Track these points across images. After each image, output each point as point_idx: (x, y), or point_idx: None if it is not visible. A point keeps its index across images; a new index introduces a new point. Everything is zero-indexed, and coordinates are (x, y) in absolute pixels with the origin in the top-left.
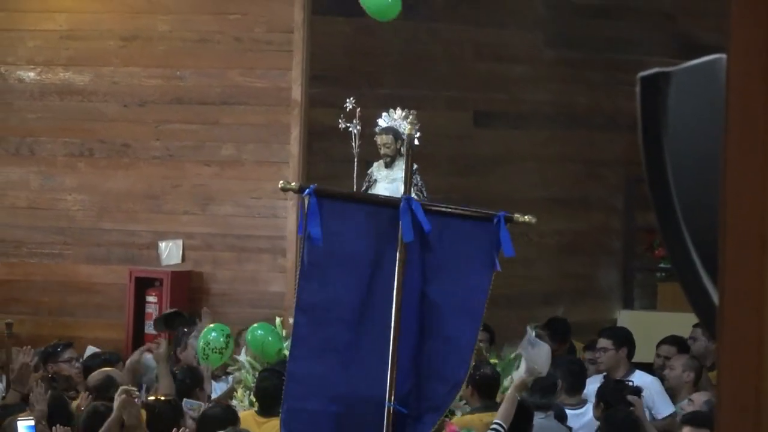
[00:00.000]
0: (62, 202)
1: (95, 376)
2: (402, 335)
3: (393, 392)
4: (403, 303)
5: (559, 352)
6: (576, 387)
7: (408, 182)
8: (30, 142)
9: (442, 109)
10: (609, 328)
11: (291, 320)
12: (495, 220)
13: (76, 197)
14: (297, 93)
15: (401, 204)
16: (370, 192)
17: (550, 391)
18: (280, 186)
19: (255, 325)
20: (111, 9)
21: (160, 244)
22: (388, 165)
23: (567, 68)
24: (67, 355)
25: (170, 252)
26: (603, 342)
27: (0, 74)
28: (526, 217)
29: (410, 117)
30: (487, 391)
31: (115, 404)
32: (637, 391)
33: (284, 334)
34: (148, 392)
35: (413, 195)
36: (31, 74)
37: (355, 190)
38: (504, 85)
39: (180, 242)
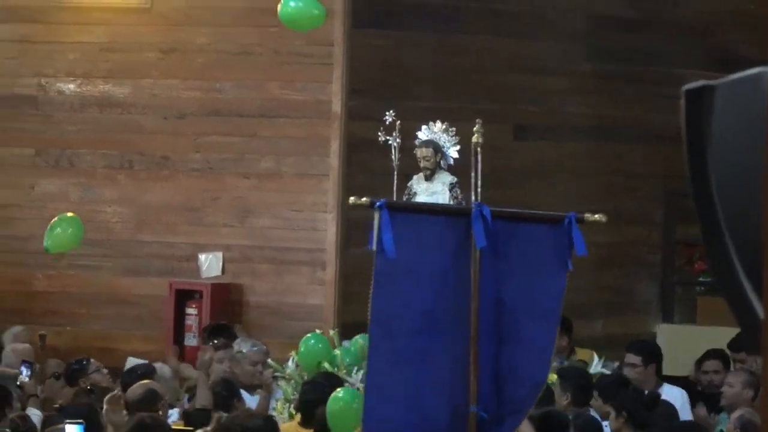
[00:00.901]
0: (101, 214)
1: (136, 390)
2: (480, 340)
3: (475, 397)
4: (480, 309)
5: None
6: (583, 400)
7: (475, 190)
8: (69, 154)
9: (481, 122)
10: (636, 342)
11: (331, 332)
12: (566, 221)
13: (115, 209)
14: (337, 106)
15: (473, 210)
16: None
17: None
18: (350, 201)
19: (308, 335)
20: (150, 21)
21: (200, 257)
22: (428, 178)
23: (604, 81)
24: (93, 366)
25: (210, 264)
26: (631, 358)
27: (40, 86)
28: (596, 216)
29: (450, 130)
30: None
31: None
32: (655, 398)
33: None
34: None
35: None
36: (71, 86)
37: None
38: (542, 97)
39: (220, 254)
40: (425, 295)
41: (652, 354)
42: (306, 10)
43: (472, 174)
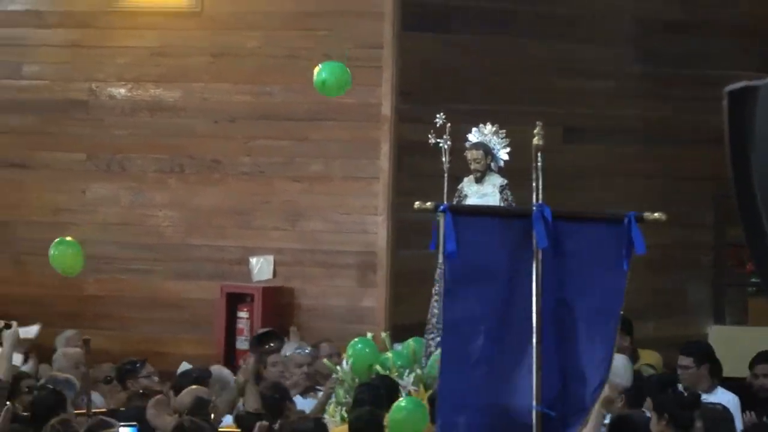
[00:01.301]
0: (152, 218)
1: (184, 398)
2: (544, 340)
3: (540, 396)
4: (544, 309)
5: (623, 344)
6: (637, 402)
7: (536, 192)
8: (120, 158)
9: (531, 124)
10: (690, 344)
11: (383, 335)
12: (626, 220)
13: (166, 213)
14: (387, 108)
15: (534, 211)
16: None
17: None
18: (415, 206)
19: (355, 339)
20: (200, 26)
21: (251, 260)
22: (478, 180)
23: (653, 83)
24: (144, 371)
25: (261, 268)
26: (684, 360)
27: (91, 91)
28: (656, 214)
29: (501, 132)
30: None
31: None
32: (696, 398)
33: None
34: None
35: None
36: (122, 91)
37: None
38: (591, 100)
39: (271, 258)
40: (492, 298)
41: (704, 355)
42: (337, 78)
43: (533, 175)
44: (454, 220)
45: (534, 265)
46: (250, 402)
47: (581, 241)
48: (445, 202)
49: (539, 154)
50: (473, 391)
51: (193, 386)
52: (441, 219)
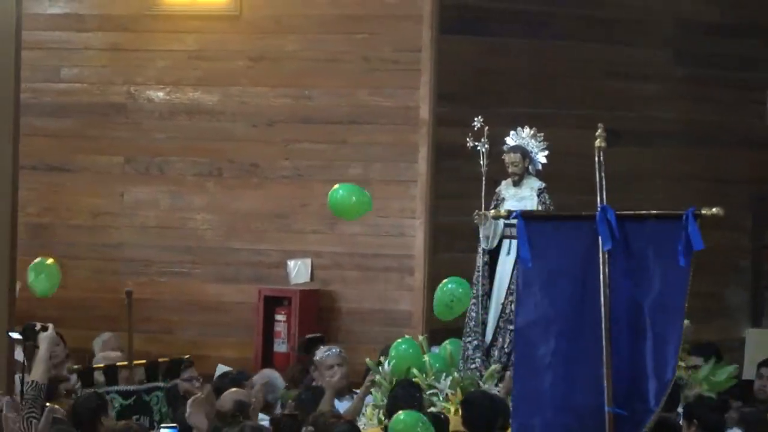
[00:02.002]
0: (191, 221)
1: (226, 400)
2: (614, 340)
3: (611, 397)
4: (613, 309)
5: None
6: (671, 406)
7: (601, 193)
8: (159, 161)
9: (570, 127)
10: None
11: (420, 338)
12: (684, 217)
13: (204, 216)
14: (425, 112)
15: (597, 214)
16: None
17: None
18: (491, 214)
19: (399, 340)
20: (239, 29)
21: (288, 263)
22: (516, 183)
23: (696, 86)
24: (187, 374)
25: (299, 271)
26: (765, 372)
27: (129, 94)
28: (713, 209)
29: (538, 135)
30: None
31: None
32: (724, 401)
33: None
34: (283, 408)
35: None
36: (160, 94)
37: (483, 208)
38: (633, 103)
39: (309, 261)
40: (564, 301)
41: None
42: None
43: (597, 177)
44: (526, 225)
45: (600, 266)
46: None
47: (644, 240)
48: (518, 210)
49: (600, 157)
50: (547, 392)
51: (233, 389)
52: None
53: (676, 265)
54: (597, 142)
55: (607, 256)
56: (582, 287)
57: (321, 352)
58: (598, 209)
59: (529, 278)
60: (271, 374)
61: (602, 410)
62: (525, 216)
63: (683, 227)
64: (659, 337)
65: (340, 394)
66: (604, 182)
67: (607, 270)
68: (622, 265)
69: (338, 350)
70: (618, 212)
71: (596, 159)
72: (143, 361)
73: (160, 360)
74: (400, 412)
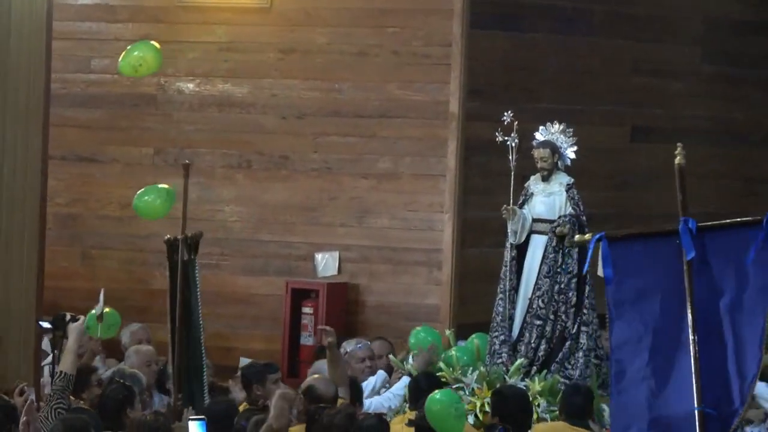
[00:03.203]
0: (220, 213)
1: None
2: (703, 345)
3: (700, 398)
4: (700, 317)
5: None
6: None
7: (684, 207)
8: (189, 153)
9: (599, 123)
10: None
11: (447, 332)
12: (765, 221)
13: (233, 209)
14: (454, 106)
15: (680, 225)
16: (525, 206)
17: None
18: (576, 239)
19: (417, 328)
20: (270, 22)
21: (316, 256)
22: (545, 179)
23: (725, 84)
24: (274, 377)
25: (326, 264)
26: None
27: (160, 86)
28: None
29: (568, 131)
30: None
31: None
32: None
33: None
34: None
35: (570, 209)
36: (191, 86)
37: (511, 203)
38: (661, 100)
39: (336, 254)
40: (652, 314)
41: None
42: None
43: (678, 191)
44: (610, 245)
45: (685, 276)
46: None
47: (726, 247)
48: (601, 232)
49: (681, 171)
50: (642, 404)
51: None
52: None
53: (758, 268)
54: (677, 160)
55: (690, 266)
56: (670, 300)
57: (350, 345)
58: (680, 221)
59: (619, 297)
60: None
61: (691, 417)
62: (609, 237)
63: (763, 232)
64: (744, 340)
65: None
66: (685, 196)
67: (690, 280)
68: (705, 274)
69: (368, 343)
70: (701, 225)
71: (677, 175)
72: None
73: None
74: (437, 391)
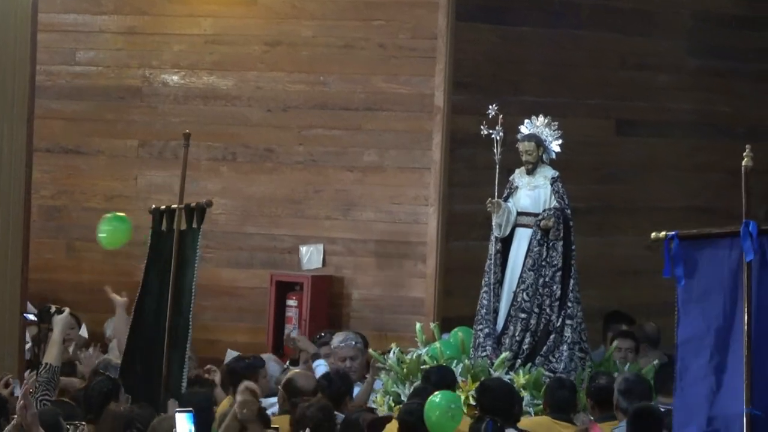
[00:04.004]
0: None
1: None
2: (757, 350)
3: (749, 399)
4: (760, 318)
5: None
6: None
7: (748, 209)
8: (174, 145)
9: (584, 116)
10: None
11: (432, 326)
12: None
13: (218, 201)
14: (440, 99)
15: (741, 228)
16: (510, 199)
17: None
18: (652, 237)
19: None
20: (256, 14)
21: (301, 249)
22: (530, 172)
23: (710, 77)
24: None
25: (311, 256)
26: None
27: (145, 78)
28: None
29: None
30: (605, 402)
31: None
32: None
33: (423, 340)
34: None
35: (554, 202)
36: (176, 78)
37: (496, 197)
38: (647, 93)
39: (321, 247)
40: (720, 312)
41: None
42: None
43: (743, 195)
44: (681, 245)
45: (743, 278)
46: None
47: None
48: (675, 231)
49: (747, 173)
50: (702, 403)
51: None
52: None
53: None
54: (744, 162)
55: (749, 268)
56: (731, 301)
57: (337, 340)
58: (742, 224)
59: (687, 294)
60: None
61: (742, 417)
62: (681, 236)
63: None
64: None
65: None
66: (749, 198)
67: (749, 281)
68: (764, 277)
69: (354, 342)
70: (762, 228)
71: (743, 176)
72: None
73: None
74: (437, 393)
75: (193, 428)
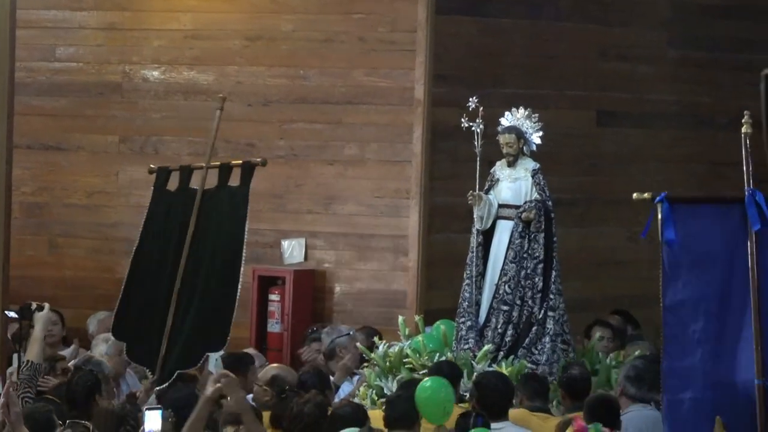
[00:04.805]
0: None
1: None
2: (762, 318)
3: (760, 370)
4: (760, 289)
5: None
6: None
7: (748, 178)
8: (154, 141)
9: (565, 108)
10: None
11: (416, 318)
12: None
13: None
14: (420, 92)
15: (746, 196)
16: (491, 191)
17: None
18: (633, 197)
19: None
20: (235, 9)
21: (283, 243)
22: (511, 164)
23: (691, 68)
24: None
25: (293, 251)
26: None
27: (125, 74)
28: None
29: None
30: (576, 392)
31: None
32: None
33: (407, 333)
34: None
35: (536, 194)
36: (156, 73)
37: (477, 189)
38: (628, 84)
39: (302, 241)
40: (712, 281)
41: None
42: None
43: (744, 163)
44: (671, 208)
45: (749, 247)
46: None
47: None
48: (663, 193)
49: (747, 143)
50: (697, 368)
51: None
52: (658, 208)
53: None
54: (744, 129)
55: (755, 237)
56: (729, 268)
57: (335, 333)
58: (747, 192)
59: (675, 258)
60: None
61: (750, 386)
62: (670, 199)
63: None
64: None
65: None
66: (750, 167)
67: (755, 250)
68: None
69: (350, 333)
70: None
71: (743, 144)
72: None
73: None
74: (426, 379)
75: (160, 426)
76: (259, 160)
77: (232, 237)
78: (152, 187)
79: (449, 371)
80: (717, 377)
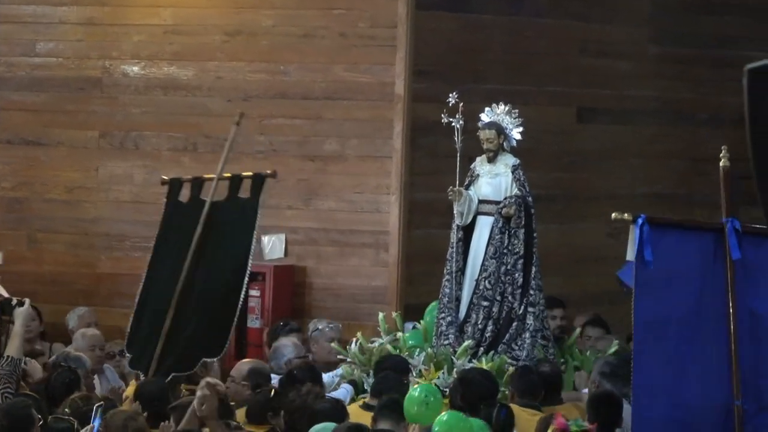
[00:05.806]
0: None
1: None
2: (741, 342)
3: (739, 392)
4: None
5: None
6: None
7: (726, 207)
8: (134, 136)
9: (546, 104)
10: None
11: (393, 314)
12: None
13: None
14: (400, 88)
15: (727, 226)
16: (471, 187)
17: None
18: (613, 217)
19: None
20: (215, 4)
21: (263, 239)
22: (491, 160)
23: (672, 64)
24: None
25: (273, 246)
26: None
27: (105, 69)
28: None
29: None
30: (549, 388)
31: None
32: None
33: (386, 329)
34: None
35: (516, 190)
36: (136, 69)
37: (457, 185)
38: (608, 80)
39: (283, 237)
40: (686, 301)
41: None
42: None
43: (722, 194)
44: (650, 230)
45: (728, 275)
46: None
47: (763, 253)
48: (642, 215)
49: (726, 174)
50: (666, 387)
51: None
52: (636, 228)
53: None
54: (722, 162)
55: (733, 265)
56: (700, 293)
57: (322, 324)
58: (725, 221)
59: (651, 278)
60: None
61: (720, 406)
62: (650, 221)
63: None
64: None
65: (328, 366)
66: (729, 198)
67: (733, 278)
68: (742, 275)
69: (339, 325)
70: (744, 226)
71: (722, 177)
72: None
73: None
74: (444, 413)
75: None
76: (269, 172)
77: (241, 248)
78: (164, 199)
79: (393, 366)
80: (687, 396)
